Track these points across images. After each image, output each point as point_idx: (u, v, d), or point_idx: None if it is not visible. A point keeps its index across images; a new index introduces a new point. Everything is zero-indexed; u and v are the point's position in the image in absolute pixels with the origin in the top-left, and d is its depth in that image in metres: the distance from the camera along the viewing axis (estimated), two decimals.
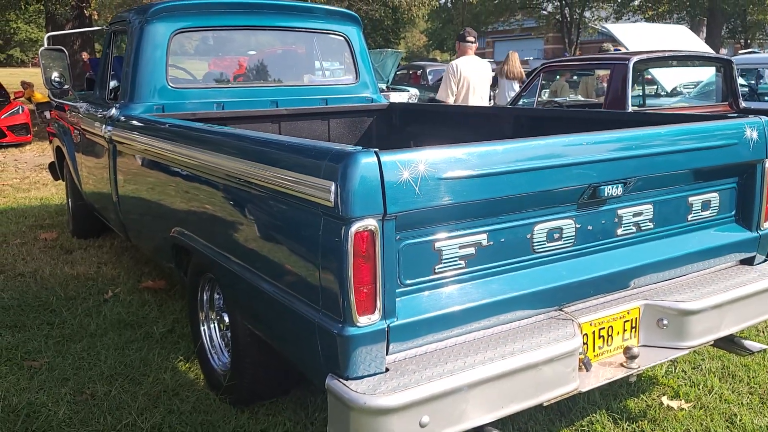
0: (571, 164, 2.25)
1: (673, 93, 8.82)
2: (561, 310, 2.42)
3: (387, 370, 2.01)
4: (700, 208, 2.79)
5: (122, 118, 4.06)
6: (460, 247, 2.14)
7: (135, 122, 3.88)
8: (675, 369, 3.33)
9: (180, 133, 3.20)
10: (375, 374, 1.98)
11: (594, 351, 2.45)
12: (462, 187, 2.03)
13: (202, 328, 3.27)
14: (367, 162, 1.86)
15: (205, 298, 3.26)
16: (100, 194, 4.73)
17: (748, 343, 2.79)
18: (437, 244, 2.09)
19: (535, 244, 2.31)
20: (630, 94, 6.04)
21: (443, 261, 2.11)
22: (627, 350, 2.42)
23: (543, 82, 8.61)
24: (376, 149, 1.90)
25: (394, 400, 1.85)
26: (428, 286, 2.10)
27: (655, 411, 2.94)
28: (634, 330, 2.55)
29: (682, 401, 3.01)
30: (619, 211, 2.52)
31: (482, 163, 2.06)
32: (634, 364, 2.43)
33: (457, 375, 1.97)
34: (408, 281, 2.05)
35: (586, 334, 2.41)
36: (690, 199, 2.75)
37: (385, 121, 5.16)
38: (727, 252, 2.88)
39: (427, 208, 1.97)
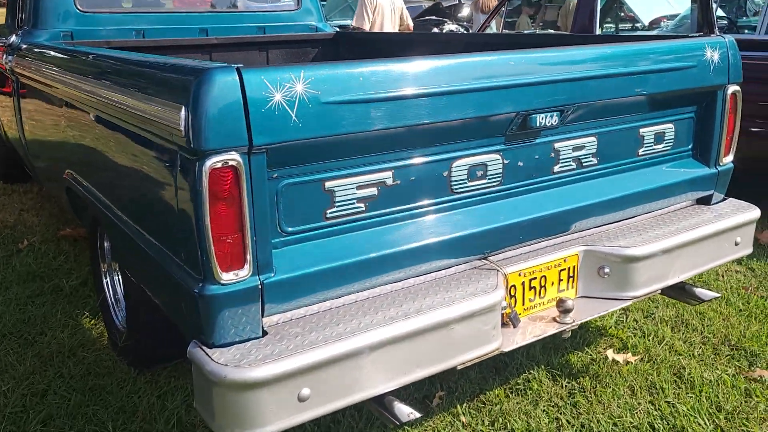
0: (494, 88, 1.90)
1: (652, 26, 8.40)
2: (486, 259, 2.11)
3: (265, 333, 1.69)
4: (652, 141, 2.47)
5: (23, 47, 3.61)
6: (359, 188, 1.80)
7: (33, 50, 3.43)
8: (626, 318, 3.07)
9: (52, 58, 2.81)
10: (249, 340, 1.66)
11: (524, 304, 2.15)
12: (355, 114, 1.67)
13: (104, 281, 2.94)
14: (224, 80, 1.49)
15: (106, 246, 2.92)
16: (13, 134, 4.30)
17: (699, 291, 2.51)
18: (328, 184, 1.74)
19: (453, 183, 1.98)
20: (598, 22, 5.65)
21: (337, 204, 1.77)
22: (560, 303, 2.12)
23: (510, 19, 8.15)
24: (240, 65, 1.53)
25: (262, 371, 1.53)
26: (319, 234, 1.77)
27: (599, 366, 2.68)
28: (571, 280, 2.26)
29: (629, 354, 2.75)
30: (556, 145, 2.18)
31: (381, 85, 1.70)
32: (568, 318, 2.13)
33: (347, 339, 1.66)
34: (291, 229, 1.72)
35: (514, 286, 2.10)
36: (641, 130, 2.42)
37: (332, 52, 4.74)
38: (682, 190, 2.57)
39: (308, 140, 1.62)
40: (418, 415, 1.75)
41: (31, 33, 3.68)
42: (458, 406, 2.43)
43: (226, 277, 1.58)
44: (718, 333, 2.94)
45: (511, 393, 2.53)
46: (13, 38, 3.78)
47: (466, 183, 2.00)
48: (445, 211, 1.98)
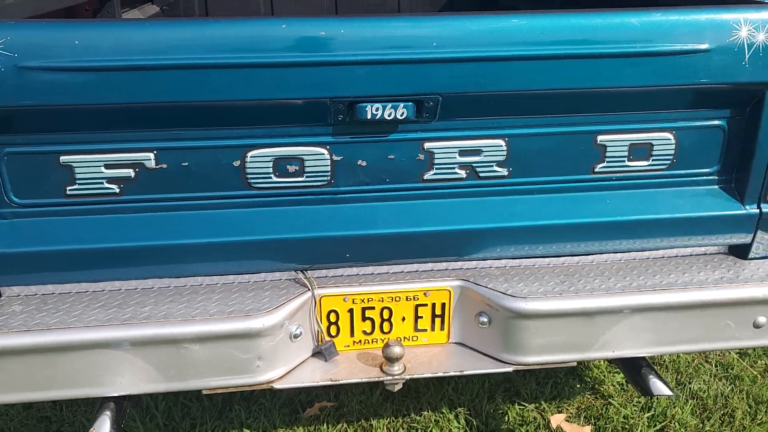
0: (277, 65, 1.47)
1: None
2: (303, 272, 1.72)
3: None
4: (625, 154, 1.73)
5: None
6: (107, 167, 1.57)
7: None
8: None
9: None
10: None
11: (353, 335, 1.74)
12: (69, 82, 1.43)
13: None
14: None
15: None
16: None
17: (653, 381, 1.74)
18: (63, 158, 1.55)
19: (249, 176, 1.62)
20: None
21: (79, 181, 1.57)
22: (386, 347, 1.65)
23: None
24: None
25: None
26: (59, 211, 1.60)
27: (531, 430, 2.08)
28: (439, 320, 1.75)
29: (588, 426, 2.08)
30: (427, 145, 1.64)
31: (101, 50, 1.42)
32: (396, 368, 1.66)
33: (40, 332, 1.52)
34: (21, 201, 1.58)
35: (335, 312, 1.70)
36: (600, 138, 1.70)
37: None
38: (685, 231, 1.78)
39: (7, 108, 1.44)
40: None
41: None
42: (327, 425, 2.11)
43: None
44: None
45: (403, 429, 2.11)
46: None
47: (270, 178, 1.62)
48: (235, 208, 1.64)
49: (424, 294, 1.72)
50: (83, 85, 1.44)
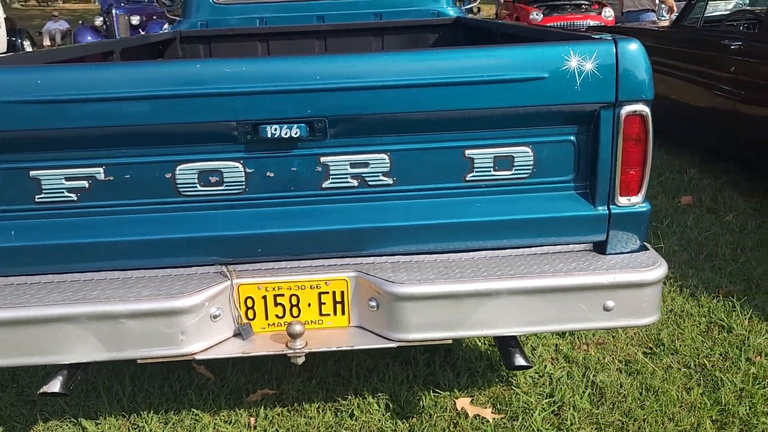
0: (188, 95, 1.88)
1: None
2: (225, 266, 2.10)
3: None
4: (490, 165, 2.07)
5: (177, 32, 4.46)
6: (67, 179, 1.99)
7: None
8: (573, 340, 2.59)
9: None
10: None
11: (268, 319, 2.09)
12: (32, 113, 1.87)
13: None
14: None
15: None
16: None
17: (516, 355, 2.05)
18: (33, 173, 1.98)
19: (179, 185, 2.02)
20: None
21: (45, 191, 2.00)
22: (289, 326, 2.01)
23: None
24: None
25: None
26: (29, 215, 2.02)
27: (439, 414, 2.37)
28: (340, 305, 2.09)
29: (489, 409, 2.36)
30: (323, 159, 2.03)
31: (59, 87, 1.86)
32: (298, 343, 2.01)
33: (14, 308, 1.92)
34: (0, 207, 2.01)
35: (251, 298, 2.06)
36: (467, 152, 2.06)
37: (450, 38, 4.68)
38: (547, 231, 2.12)
39: None
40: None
41: (180, 23, 4.51)
42: (265, 408, 2.45)
43: None
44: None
45: (330, 411, 2.43)
46: (165, 26, 4.70)
47: (195, 186, 2.02)
48: (169, 212, 2.04)
49: (325, 283, 2.07)
50: (47, 114, 1.87)
